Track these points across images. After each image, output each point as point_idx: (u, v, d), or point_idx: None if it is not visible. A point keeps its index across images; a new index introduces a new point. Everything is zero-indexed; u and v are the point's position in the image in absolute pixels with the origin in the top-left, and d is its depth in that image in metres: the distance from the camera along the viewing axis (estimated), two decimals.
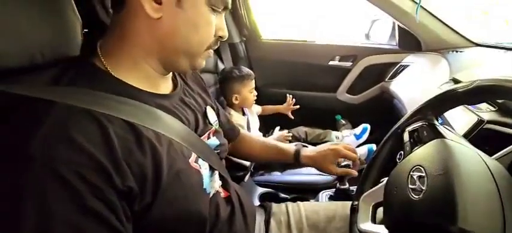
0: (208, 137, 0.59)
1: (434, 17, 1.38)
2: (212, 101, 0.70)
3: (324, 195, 1.08)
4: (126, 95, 0.44)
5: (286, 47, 1.78)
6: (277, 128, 1.58)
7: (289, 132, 1.48)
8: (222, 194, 0.59)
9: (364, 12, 1.97)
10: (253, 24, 1.75)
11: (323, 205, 0.79)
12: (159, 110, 0.48)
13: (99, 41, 0.48)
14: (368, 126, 1.45)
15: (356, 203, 0.60)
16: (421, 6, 1.39)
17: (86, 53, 0.47)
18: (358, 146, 1.51)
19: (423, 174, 0.46)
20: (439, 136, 0.51)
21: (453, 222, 0.37)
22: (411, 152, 0.53)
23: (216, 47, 0.54)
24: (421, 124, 0.57)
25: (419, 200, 0.43)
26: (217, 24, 0.50)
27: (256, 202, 1.12)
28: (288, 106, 1.59)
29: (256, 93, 1.47)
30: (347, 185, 0.90)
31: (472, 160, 0.45)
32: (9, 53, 0.40)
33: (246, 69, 1.43)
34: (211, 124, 0.61)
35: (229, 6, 0.52)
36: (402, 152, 0.67)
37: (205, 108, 0.62)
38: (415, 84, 1.29)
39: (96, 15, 0.54)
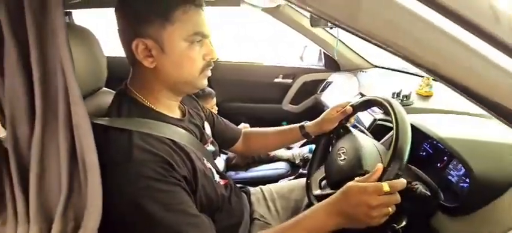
0: (208, 146, 0.82)
1: (347, 46, 1.90)
2: (208, 116, 0.93)
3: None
4: (163, 120, 0.64)
5: (238, 67, 2.10)
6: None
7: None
8: (222, 182, 0.84)
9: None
10: None
11: (286, 183, 1.12)
12: (185, 131, 0.68)
13: (126, 81, 0.67)
14: None
15: (309, 181, 0.94)
16: (339, 40, 1.89)
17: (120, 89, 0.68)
18: (301, 146, 1.92)
19: (344, 150, 0.83)
20: (349, 131, 0.89)
21: (361, 168, 0.73)
22: (337, 142, 0.90)
23: (211, 67, 0.66)
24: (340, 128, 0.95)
25: (344, 163, 0.79)
26: (204, 50, 0.62)
27: None
28: None
29: (217, 109, 1.74)
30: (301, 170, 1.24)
31: (365, 140, 0.85)
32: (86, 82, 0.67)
33: (208, 89, 1.66)
34: (208, 136, 0.85)
35: (208, 32, 0.61)
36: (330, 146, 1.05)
37: (203, 125, 0.85)
38: (338, 95, 1.75)
39: None
